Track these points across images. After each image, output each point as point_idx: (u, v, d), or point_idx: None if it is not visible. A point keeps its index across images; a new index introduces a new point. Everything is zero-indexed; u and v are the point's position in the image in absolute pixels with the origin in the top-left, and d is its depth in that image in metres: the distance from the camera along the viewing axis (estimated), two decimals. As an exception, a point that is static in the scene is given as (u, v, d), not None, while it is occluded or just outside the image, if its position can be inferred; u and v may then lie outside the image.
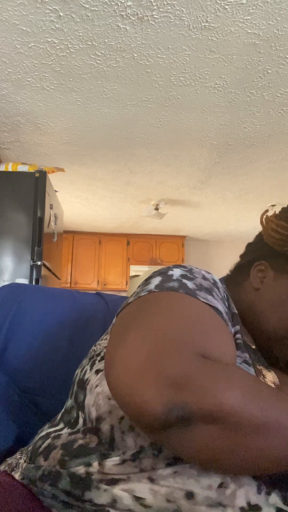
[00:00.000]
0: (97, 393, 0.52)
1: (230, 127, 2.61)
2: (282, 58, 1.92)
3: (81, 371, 0.59)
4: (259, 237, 0.71)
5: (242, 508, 0.41)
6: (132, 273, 5.42)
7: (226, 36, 1.77)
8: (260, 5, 1.60)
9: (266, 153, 2.98)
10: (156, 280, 0.54)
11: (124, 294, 5.21)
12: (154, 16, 1.66)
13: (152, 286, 0.53)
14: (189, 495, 0.42)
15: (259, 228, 0.69)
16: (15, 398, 0.74)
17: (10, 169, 2.71)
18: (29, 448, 0.55)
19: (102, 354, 0.58)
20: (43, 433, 0.55)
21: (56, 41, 1.82)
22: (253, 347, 0.63)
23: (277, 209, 0.70)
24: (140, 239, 5.64)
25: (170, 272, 0.56)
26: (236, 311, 0.61)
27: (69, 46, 1.85)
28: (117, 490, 0.43)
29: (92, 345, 0.69)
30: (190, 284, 0.52)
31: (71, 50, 1.87)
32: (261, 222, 0.67)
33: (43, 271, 2.56)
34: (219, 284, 0.59)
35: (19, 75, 2.06)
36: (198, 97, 2.26)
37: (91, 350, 0.64)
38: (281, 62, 1.95)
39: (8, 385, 0.74)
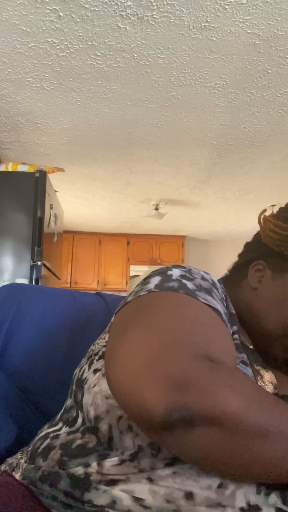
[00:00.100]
0: (95, 393, 0.51)
1: (230, 127, 2.61)
2: (282, 58, 1.92)
3: (80, 370, 0.59)
4: (257, 236, 0.71)
5: (241, 509, 0.41)
6: (132, 273, 5.42)
7: (226, 36, 1.77)
8: (260, 5, 1.60)
9: (266, 153, 2.98)
10: (156, 280, 0.54)
11: (124, 294, 5.21)
12: (154, 16, 1.66)
13: (151, 285, 0.53)
14: (189, 496, 0.42)
15: (258, 228, 0.69)
16: (15, 398, 0.74)
17: (10, 169, 2.71)
18: (29, 449, 0.56)
19: (100, 353, 0.58)
20: (42, 434, 0.55)
21: (56, 41, 1.82)
22: (251, 347, 0.63)
23: (276, 209, 0.70)
24: (140, 239, 5.64)
25: (169, 272, 0.56)
26: (233, 311, 0.62)
27: (69, 46, 1.85)
28: (117, 491, 0.43)
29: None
30: (189, 285, 0.52)
31: (71, 50, 1.87)
32: (259, 222, 0.67)
33: (43, 271, 2.56)
34: (218, 285, 0.59)
35: (19, 75, 2.06)
36: (198, 97, 2.26)
37: (89, 349, 0.64)
38: (281, 62, 1.95)
39: (8, 385, 0.74)
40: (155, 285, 0.53)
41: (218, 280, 0.69)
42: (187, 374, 0.38)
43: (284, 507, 0.43)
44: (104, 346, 0.58)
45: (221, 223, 5.01)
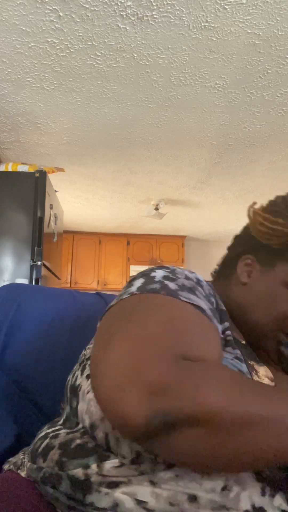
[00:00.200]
0: (89, 399, 0.51)
1: (230, 127, 2.61)
2: (282, 58, 1.92)
3: (73, 376, 0.59)
4: (246, 230, 0.70)
5: (246, 511, 0.41)
6: (132, 273, 5.42)
7: (226, 36, 1.77)
8: (260, 5, 1.60)
9: (266, 153, 2.98)
10: (139, 282, 0.54)
11: (124, 294, 5.20)
12: (154, 16, 1.66)
13: (134, 288, 0.53)
14: (192, 498, 0.41)
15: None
16: (15, 398, 0.74)
17: (10, 169, 2.71)
18: (30, 449, 0.55)
19: None
20: (42, 434, 0.55)
21: (56, 41, 1.82)
22: (243, 342, 0.63)
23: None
24: (140, 239, 5.64)
25: (152, 274, 0.56)
26: (224, 308, 0.61)
27: (69, 46, 1.85)
28: (119, 494, 0.42)
29: (91, 345, 0.69)
30: (172, 285, 0.53)
31: (71, 50, 1.87)
32: (248, 215, 0.67)
33: (43, 271, 2.56)
34: (203, 283, 0.59)
35: (19, 75, 2.06)
36: (198, 97, 2.26)
37: (81, 354, 0.64)
38: (281, 62, 1.95)
39: (8, 385, 0.74)
40: (137, 288, 0.53)
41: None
42: (163, 379, 0.38)
43: None
44: None
45: (221, 223, 5.01)
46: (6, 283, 2.10)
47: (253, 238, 0.66)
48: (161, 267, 0.59)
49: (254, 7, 1.61)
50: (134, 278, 0.57)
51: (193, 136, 2.73)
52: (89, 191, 3.91)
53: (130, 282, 0.57)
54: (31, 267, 2.49)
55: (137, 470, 0.44)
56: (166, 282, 0.53)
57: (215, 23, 1.70)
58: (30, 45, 1.84)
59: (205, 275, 0.68)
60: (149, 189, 3.84)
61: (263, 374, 0.57)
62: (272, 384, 0.56)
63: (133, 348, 0.42)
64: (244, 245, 0.70)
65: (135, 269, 5.45)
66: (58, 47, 1.86)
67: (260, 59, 1.93)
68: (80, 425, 0.52)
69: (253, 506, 0.41)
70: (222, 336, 0.56)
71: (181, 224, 5.13)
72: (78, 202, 4.28)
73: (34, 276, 2.48)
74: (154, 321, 0.46)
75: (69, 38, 1.80)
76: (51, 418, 0.65)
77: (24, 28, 1.73)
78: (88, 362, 0.57)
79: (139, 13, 1.64)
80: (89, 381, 0.54)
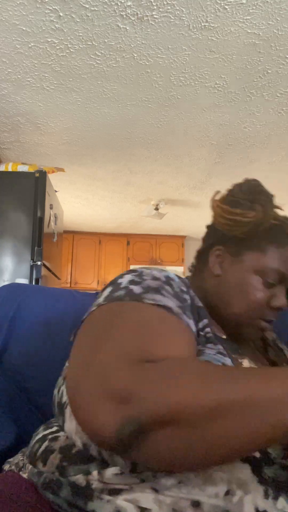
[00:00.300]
0: None
1: (230, 127, 2.61)
2: (282, 58, 1.92)
3: (58, 392, 0.58)
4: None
5: None
6: (132, 273, 5.41)
7: (226, 36, 1.77)
8: (260, 5, 1.60)
9: (266, 153, 2.98)
10: (106, 291, 0.55)
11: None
12: (154, 16, 1.66)
13: (101, 299, 0.54)
14: (196, 504, 0.41)
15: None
16: (15, 398, 0.74)
17: (10, 169, 2.71)
18: (27, 452, 0.55)
19: None
20: (39, 436, 0.54)
21: (56, 41, 1.82)
22: (224, 337, 0.62)
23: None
24: (140, 239, 5.64)
25: (119, 280, 0.57)
26: (201, 305, 0.61)
27: (69, 46, 1.85)
28: (121, 501, 0.42)
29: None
30: (136, 289, 0.53)
31: (71, 50, 1.87)
32: (211, 207, 0.66)
33: (43, 271, 2.56)
34: (174, 280, 0.58)
35: (19, 75, 2.06)
36: (198, 97, 2.26)
37: (64, 367, 0.63)
38: (281, 62, 1.95)
39: (8, 385, 0.74)
40: (104, 298, 0.53)
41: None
42: (126, 387, 0.37)
43: None
44: None
45: (221, 223, 5.00)
46: (6, 283, 2.10)
47: (220, 229, 0.66)
48: (129, 272, 0.59)
49: (254, 7, 1.61)
50: (104, 288, 0.58)
51: (193, 136, 2.73)
52: (89, 191, 3.90)
53: (101, 292, 0.57)
54: (31, 267, 2.49)
55: (138, 478, 0.43)
56: (131, 286, 0.53)
57: (215, 23, 1.70)
58: (30, 45, 1.84)
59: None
60: (149, 189, 3.84)
61: (247, 366, 0.57)
62: None
63: (98, 362, 0.42)
64: (214, 236, 0.69)
65: (135, 269, 5.45)
66: (58, 47, 1.86)
67: (260, 59, 1.93)
68: None
69: (257, 510, 0.41)
70: (202, 333, 0.56)
71: (181, 224, 5.13)
72: (78, 202, 4.28)
73: (34, 276, 2.48)
74: (116, 331, 0.46)
75: (69, 38, 1.79)
76: (51, 418, 0.65)
77: (24, 28, 1.73)
78: None
79: (139, 13, 1.64)
80: None
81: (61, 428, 0.54)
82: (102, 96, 2.25)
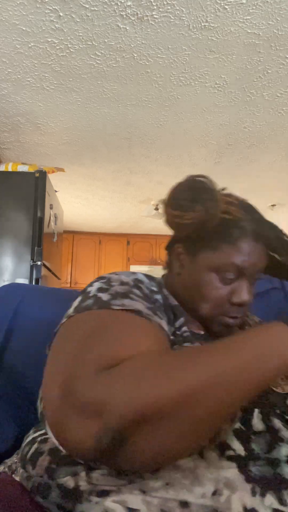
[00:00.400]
0: None
1: (230, 127, 2.61)
2: (282, 58, 1.92)
3: (40, 402, 0.58)
4: None
5: None
6: (132, 273, 5.40)
7: (226, 36, 1.77)
8: (260, 5, 1.60)
9: (266, 153, 2.98)
10: (76, 302, 0.55)
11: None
12: (154, 16, 1.66)
13: (71, 310, 0.54)
14: (184, 504, 0.41)
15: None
16: (15, 398, 0.74)
17: (10, 169, 2.71)
18: (19, 455, 0.55)
19: None
20: (29, 439, 0.55)
21: (56, 41, 1.82)
22: (202, 333, 0.62)
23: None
24: (140, 239, 5.64)
25: (88, 289, 0.57)
26: (176, 303, 0.60)
27: (69, 46, 1.85)
28: (109, 502, 0.42)
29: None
30: (104, 296, 0.53)
31: (71, 50, 1.87)
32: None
33: (43, 271, 2.56)
34: (143, 283, 0.58)
35: (19, 75, 2.06)
36: (198, 97, 2.26)
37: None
38: (281, 62, 1.95)
39: (8, 385, 0.74)
40: (73, 309, 0.54)
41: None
42: (95, 400, 0.37)
43: (281, 507, 0.42)
44: None
45: (221, 223, 5.00)
46: (6, 283, 2.10)
47: None
48: (98, 279, 0.59)
49: (254, 7, 1.61)
50: (77, 297, 0.57)
51: (193, 136, 2.73)
52: (89, 191, 3.90)
53: (73, 302, 0.57)
54: (31, 267, 2.49)
55: (126, 479, 0.44)
56: (100, 294, 0.54)
57: (215, 23, 1.70)
58: (30, 45, 1.84)
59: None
60: (149, 189, 3.84)
61: None
62: None
63: (66, 378, 0.41)
64: (174, 235, 0.69)
65: (135, 269, 5.45)
66: (58, 47, 1.86)
67: (260, 59, 1.93)
68: None
69: (245, 508, 0.41)
70: (178, 332, 0.56)
71: (181, 224, 5.12)
72: (78, 202, 4.28)
73: (34, 276, 2.48)
74: (82, 342, 0.46)
75: (69, 38, 1.79)
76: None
77: (24, 28, 1.73)
78: None
79: (139, 13, 1.64)
80: None
81: None
82: (102, 96, 2.25)
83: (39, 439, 0.53)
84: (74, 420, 0.37)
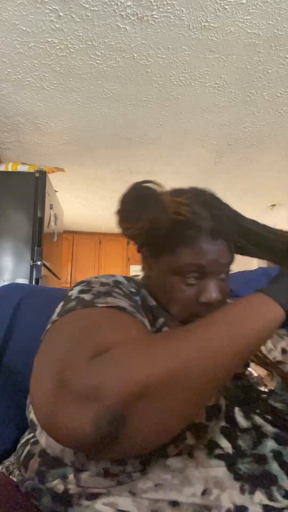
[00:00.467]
0: (46, 436, 0.50)
1: (230, 127, 2.61)
2: (282, 58, 1.92)
3: (27, 410, 0.58)
4: None
5: (228, 510, 0.42)
6: (132, 273, 5.41)
7: (226, 36, 1.77)
8: (260, 5, 1.60)
9: (266, 153, 2.98)
10: (59, 307, 0.55)
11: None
12: (154, 16, 1.66)
13: (54, 315, 0.54)
14: (174, 504, 0.42)
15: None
16: (14, 398, 0.74)
17: (10, 169, 2.71)
18: (15, 457, 0.55)
19: None
20: (23, 440, 0.55)
21: (56, 41, 1.82)
22: None
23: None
24: (140, 239, 5.63)
25: (70, 293, 0.57)
26: (154, 303, 0.60)
27: (69, 46, 1.85)
28: (100, 505, 0.42)
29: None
30: (87, 296, 0.53)
31: (71, 50, 1.87)
32: None
33: (43, 271, 2.56)
34: (123, 284, 0.59)
35: (19, 75, 2.06)
36: (198, 97, 2.25)
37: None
38: (281, 62, 1.95)
39: (7, 385, 0.74)
40: (57, 313, 0.53)
41: None
42: (89, 384, 0.37)
43: (271, 503, 0.43)
44: None
45: (221, 223, 5.00)
46: (6, 283, 2.10)
47: None
48: (78, 283, 0.59)
49: (254, 7, 1.61)
50: (59, 303, 0.57)
51: (193, 136, 2.73)
52: (89, 191, 3.90)
53: (57, 307, 0.57)
54: (31, 267, 2.49)
55: (114, 481, 0.44)
56: (82, 295, 0.53)
57: (215, 23, 1.70)
58: (30, 45, 1.84)
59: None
60: (149, 189, 3.83)
61: None
62: None
63: (56, 374, 0.41)
64: None
65: (135, 269, 5.45)
66: (58, 47, 1.86)
67: (260, 59, 1.92)
68: None
69: (235, 505, 0.42)
70: (160, 333, 0.56)
71: (181, 224, 5.13)
72: (78, 202, 4.28)
73: (34, 276, 2.48)
74: (70, 336, 0.46)
75: (69, 38, 1.79)
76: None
77: (24, 28, 1.73)
78: None
79: (139, 13, 1.64)
80: None
81: None
82: (102, 96, 2.25)
83: (31, 440, 0.53)
84: (71, 409, 0.37)
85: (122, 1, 1.59)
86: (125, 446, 0.37)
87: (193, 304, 0.59)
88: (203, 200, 0.61)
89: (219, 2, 1.58)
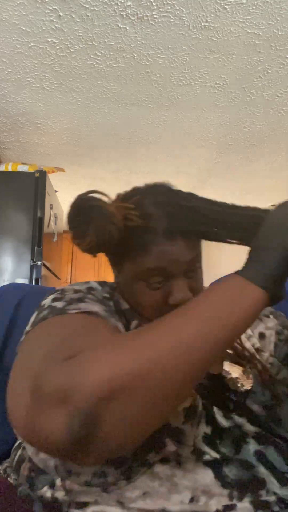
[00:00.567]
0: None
1: (230, 127, 2.61)
2: (282, 58, 1.92)
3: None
4: None
5: (217, 511, 0.42)
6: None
7: (226, 36, 1.77)
8: (260, 5, 1.60)
9: (266, 153, 2.98)
10: (33, 317, 0.55)
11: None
12: (154, 16, 1.66)
13: (28, 326, 0.53)
14: (163, 510, 0.42)
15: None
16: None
17: (10, 169, 2.71)
18: (9, 460, 0.55)
19: None
20: (17, 443, 0.55)
21: (56, 41, 1.82)
22: None
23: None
24: (140, 239, 5.63)
25: (43, 302, 0.56)
26: (127, 306, 0.60)
27: (69, 46, 1.85)
28: None
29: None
30: (59, 304, 0.52)
31: (71, 50, 1.87)
32: None
33: (43, 271, 2.56)
34: (97, 290, 0.59)
35: (19, 75, 2.06)
36: (198, 97, 2.25)
37: None
38: (281, 62, 1.95)
39: (7, 386, 0.74)
40: (31, 324, 0.53)
41: None
42: (60, 386, 0.36)
43: (259, 506, 0.43)
44: None
45: (221, 223, 5.00)
46: (6, 283, 2.10)
47: None
48: (51, 292, 0.59)
49: (254, 7, 1.61)
50: (33, 313, 0.57)
51: (193, 136, 2.73)
52: (89, 191, 3.90)
53: (31, 318, 0.56)
54: (31, 267, 2.49)
55: (100, 487, 0.43)
56: (54, 304, 0.53)
57: (215, 23, 1.70)
58: (30, 45, 1.84)
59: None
60: (149, 189, 3.83)
61: None
62: None
63: (31, 380, 0.40)
64: None
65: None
66: (58, 47, 1.86)
67: (260, 59, 1.92)
68: None
69: (223, 505, 0.42)
70: None
71: (181, 224, 5.13)
72: (78, 202, 4.28)
73: (34, 276, 2.48)
74: (44, 343, 0.45)
75: (69, 38, 1.79)
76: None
77: (24, 28, 1.73)
78: None
79: (139, 13, 1.64)
80: None
81: None
82: (102, 96, 2.25)
83: (23, 444, 0.53)
84: (45, 414, 0.36)
85: (122, 1, 1.59)
86: (101, 448, 0.36)
87: (163, 307, 0.57)
88: (154, 200, 0.59)
89: (219, 2, 1.58)
